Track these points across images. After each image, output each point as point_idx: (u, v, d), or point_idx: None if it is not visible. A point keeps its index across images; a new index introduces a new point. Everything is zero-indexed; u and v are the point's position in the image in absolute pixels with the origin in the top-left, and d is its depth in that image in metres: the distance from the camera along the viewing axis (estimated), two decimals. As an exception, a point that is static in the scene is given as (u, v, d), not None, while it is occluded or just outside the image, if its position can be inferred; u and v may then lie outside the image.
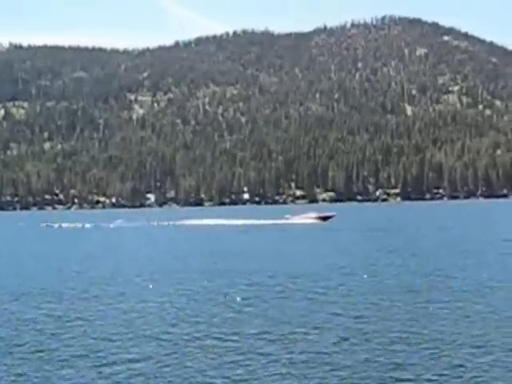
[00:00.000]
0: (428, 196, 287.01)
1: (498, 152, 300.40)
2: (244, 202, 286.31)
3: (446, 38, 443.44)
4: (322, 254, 46.70)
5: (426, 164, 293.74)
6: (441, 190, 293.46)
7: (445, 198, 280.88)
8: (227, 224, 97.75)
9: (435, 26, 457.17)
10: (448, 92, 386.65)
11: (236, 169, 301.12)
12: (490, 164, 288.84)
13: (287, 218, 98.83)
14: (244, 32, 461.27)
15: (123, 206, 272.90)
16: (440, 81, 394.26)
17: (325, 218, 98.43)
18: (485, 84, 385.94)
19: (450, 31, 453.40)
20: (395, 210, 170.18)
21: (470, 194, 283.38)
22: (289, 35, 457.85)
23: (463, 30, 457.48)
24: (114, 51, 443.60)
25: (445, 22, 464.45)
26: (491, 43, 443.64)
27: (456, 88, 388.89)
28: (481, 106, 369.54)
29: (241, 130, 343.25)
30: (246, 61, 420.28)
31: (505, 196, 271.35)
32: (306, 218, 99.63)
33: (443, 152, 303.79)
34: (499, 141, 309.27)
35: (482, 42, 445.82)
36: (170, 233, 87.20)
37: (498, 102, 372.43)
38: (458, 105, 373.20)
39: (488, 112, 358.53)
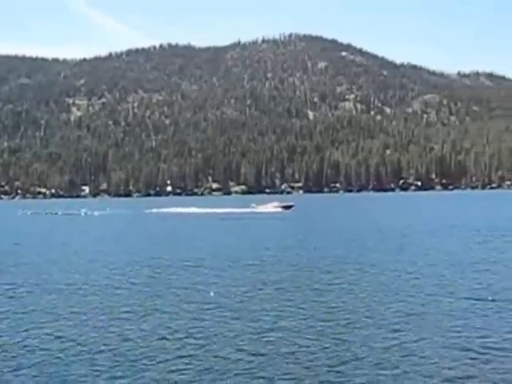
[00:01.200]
0: (326, 189, 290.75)
1: (387, 152, 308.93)
2: (167, 194, 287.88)
3: (343, 53, 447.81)
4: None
5: (325, 162, 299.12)
6: (337, 184, 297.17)
7: (341, 191, 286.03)
8: (203, 212, 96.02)
9: (334, 42, 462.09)
10: (345, 100, 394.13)
11: (160, 164, 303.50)
12: (380, 162, 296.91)
13: (253, 207, 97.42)
14: (169, 45, 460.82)
15: (61, 197, 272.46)
16: (338, 90, 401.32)
17: (287, 207, 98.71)
18: (376, 93, 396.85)
19: (348, 47, 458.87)
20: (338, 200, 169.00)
21: (362, 188, 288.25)
22: (208, 49, 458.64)
23: (358, 46, 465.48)
24: (55, 60, 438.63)
25: (343, 40, 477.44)
26: (382, 58, 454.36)
27: (352, 96, 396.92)
28: (373, 112, 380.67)
29: (165, 130, 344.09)
30: (170, 70, 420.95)
31: (392, 190, 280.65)
32: (273, 207, 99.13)
33: (340, 151, 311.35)
34: (388, 142, 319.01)
35: (375, 57, 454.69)
36: (153, 220, 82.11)
37: (387, 109, 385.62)
38: (354, 111, 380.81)
39: (379, 117, 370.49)
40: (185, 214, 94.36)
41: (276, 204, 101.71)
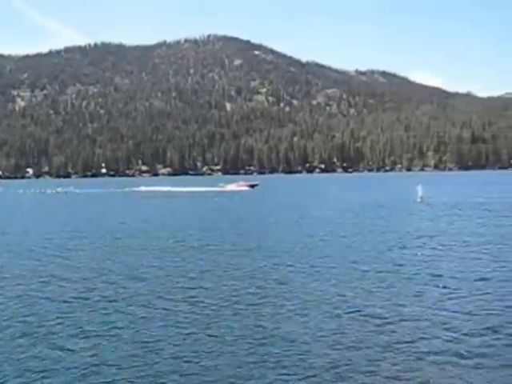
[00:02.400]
0: (242, 171, 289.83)
1: (295, 139, 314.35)
2: (102, 175, 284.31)
3: (256, 52, 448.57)
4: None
5: (241, 147, 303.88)
6: (252, 167, 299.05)
7: (254, 173, 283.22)
8: (178, 190, 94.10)
9: (248, 42, 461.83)
10: (258, 93, 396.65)
11: (96, 149, 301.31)
12: (288, 148, 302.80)
13: (222, 186, 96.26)
14: (102, 44, 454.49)
15: (8, 178, 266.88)
16: (252, 84, 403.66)
17: (253, 186, 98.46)
18: (285, 88, 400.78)
19: (260, 47, 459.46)
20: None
21: (273, 170, 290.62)
22: (137, 47, 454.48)
23: (269, 46, 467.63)
24: (1, 56, 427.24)
25: (255, 40, 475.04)
26: (290, 57, 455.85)
27: (264, 90, 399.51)
28: (282, 104, 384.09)
29: (100, 119, 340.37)
30: (104, 66, 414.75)
31: (300, 172, 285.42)
32: (240, 185, 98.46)
33: (254, 139, 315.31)
34: (296, 131, 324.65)
35: (284, 55, 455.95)
36: (135, 198, 78.80)
37: (295, 102, 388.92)
38: (265, 103, 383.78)
39: (287, 109, 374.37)
40: (168, 192, 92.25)
41: (242, 183, 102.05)
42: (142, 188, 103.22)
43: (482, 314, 13.41)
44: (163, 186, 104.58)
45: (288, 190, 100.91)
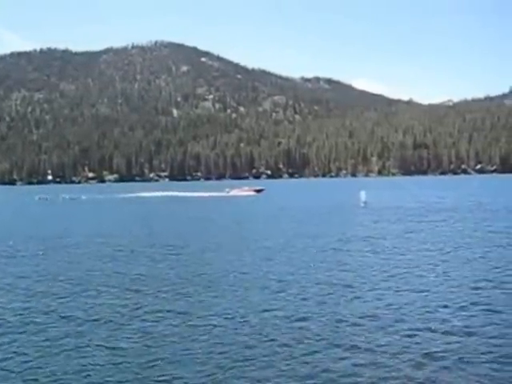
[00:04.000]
0: (189, 178, 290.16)
1: (242, 145, 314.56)
2: (48, 182, 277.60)
3: (203, 59, 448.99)
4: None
5: (187, 153, 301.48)
6: (198, 173, 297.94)
7: (201, 179, 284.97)
8: (184, 196, 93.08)
9: (195, 49, 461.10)
10: (205, 100, 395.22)
11: (41, 155, 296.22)
12: (235, 154, 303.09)
13: (228, 192, 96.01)
14: (48, 49, 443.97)
15: None
16: (198, 91, 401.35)
17: (259, 191, 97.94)
18: (232, 94, 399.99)
19: (207, 54, 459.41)
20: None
21: (220, 176, 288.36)
22: (84, 53, 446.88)
23: (216, 53, 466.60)
24: None
25: (202, 47, 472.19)
26: (237, 64, 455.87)
27: (211, 97, 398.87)
28: (229, 111, 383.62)
29: (45, 125, 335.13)
30: (50, 72, 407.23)
31: (246, 178, 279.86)
32: (246, 190, 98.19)
33: (201, 145, 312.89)
34: (242, 137, 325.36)
35: (230, 62, 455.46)
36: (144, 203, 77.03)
37: (241, 108, 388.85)
38: (212, 109, 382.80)
39: (234, 115, 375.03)
40: (175, 197, 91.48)
41: (247, 188, 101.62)
42: (144, 194, 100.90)
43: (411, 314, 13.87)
44: (166, 192, 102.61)
45: (293, 195, 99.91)
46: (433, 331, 12.33)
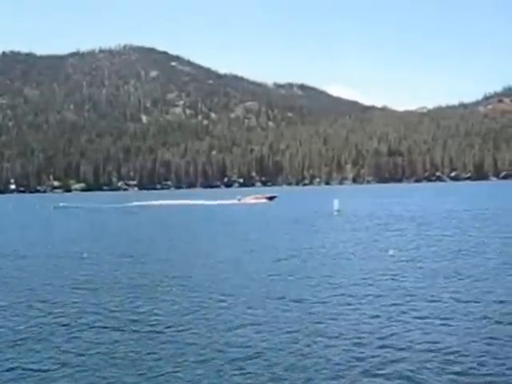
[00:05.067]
0: (159, 186, 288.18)
1: (213, 152, 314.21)
2: (11, 192, 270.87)
3: (173, 63, 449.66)
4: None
5: (157, 161, 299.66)
6: (169, 182, 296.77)
7: (172, 188, 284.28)
8: (196, 204, 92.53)
9: (165, 54, 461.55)
10: (175, 105, 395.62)
11: (4, 164, 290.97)
12: (206, 162, 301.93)
13: (239, 199, 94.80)
14: (11, 52, 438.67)
15: None
16: (169, 96, 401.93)
17: (271, 198, 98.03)
18: (203, 100, 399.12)
19: (177, 58, 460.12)
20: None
21: (191, 185, 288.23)
22: (49, 56, 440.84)
23: (187, 58, 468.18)
24: None
25: (173, 52, 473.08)
26: (208, 69, 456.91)
27: (181, 102, 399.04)
28: (200, 117, 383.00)
29: (8, 132, 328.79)
30: (14, 76, 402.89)
31: (218, 186, 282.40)
32: (259, 198, 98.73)
33: (171, 152, 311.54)
34: (214, 144, 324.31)
35: (201, 67, 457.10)
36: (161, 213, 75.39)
37: (213, 114, 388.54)
38: (183, 115, 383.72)
39: (205, 122, 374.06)
40: (186, 205, 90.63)
41: (259, 196, 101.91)
42: (154, 202, 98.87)
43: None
44: (176, 200, 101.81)
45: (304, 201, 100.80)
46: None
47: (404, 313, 14.37)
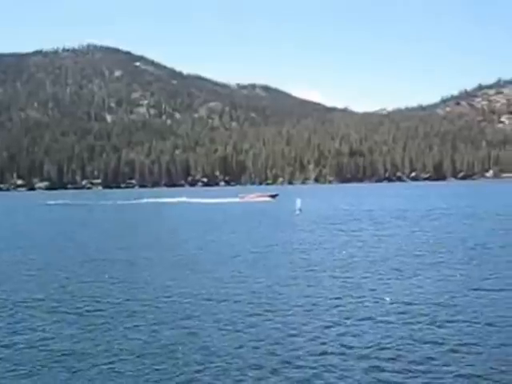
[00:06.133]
0: (123, 185, 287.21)
1: (177, 152, 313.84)
2: None
3: (137, 63, 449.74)
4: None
5: (121, 160, 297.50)
6: (133, 181, 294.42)
7: (136, 187, 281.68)
8: (201, 202, 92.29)
9: (129, 54, 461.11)
10: (139, 105, 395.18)
11: None
12: (170, 161, 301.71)
13: (242, 197, 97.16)
14: None
15: None
16: (133, 96, 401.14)
17: (273, 196, 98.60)
18: (167, 100, 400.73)
19: (141, 58, 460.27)
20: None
21: (155, 184, 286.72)
22: (12, 55, 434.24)
23: (151, 58, 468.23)
24: None
25: (136, 52, 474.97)
26: (172, 69, 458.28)
27: (145, 102, 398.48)
28: (164, 117, 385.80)
29: None
30: None
31: (182, 185, 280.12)
32: (261, 196, 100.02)
33: (135, 151, 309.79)
34: (178, 143, 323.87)
35: (165, 67, 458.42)
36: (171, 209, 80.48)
37: (177, 114, 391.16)
38: (147, 115, 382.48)
39: (169, 121, 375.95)
40: (186, 203, 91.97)
41: (260, 194, 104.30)
42: (149, 199, 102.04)
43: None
44: (177, 198, 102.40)
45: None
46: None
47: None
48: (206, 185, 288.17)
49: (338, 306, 16.08)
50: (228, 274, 21.73)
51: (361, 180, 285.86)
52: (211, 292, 18.20)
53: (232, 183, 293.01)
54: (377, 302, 16.47)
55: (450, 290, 17.92)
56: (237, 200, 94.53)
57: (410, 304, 16.17)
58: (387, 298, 16.86)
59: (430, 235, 34.32)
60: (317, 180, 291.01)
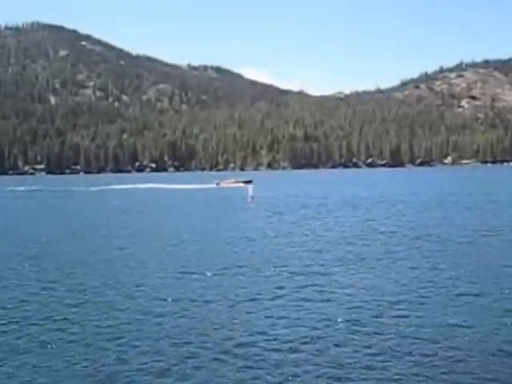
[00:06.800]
0: (68, 171, 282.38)
1: (124, 136, 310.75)
2: None
3: (83, 42, 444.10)
4: None
5: (66, 145, 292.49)
6: (78, 166, 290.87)
7: (81, 173, 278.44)
8: (176, 188, 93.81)
9: (75, 32, 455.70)
10: (85, 87, 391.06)
11: None
12: (117, 145, 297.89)
13: (218, 183, 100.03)
14: None
15: None
16: (78, 77, 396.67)
17: (248, 182, 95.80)
18: (114, 82, 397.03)
19: (88, 38, 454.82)
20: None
21: (101, 170, 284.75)
22: None
23: (98, 37, 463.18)
24: None
25: (83, 30, 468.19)
26: (120, 49, 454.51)
27: (91, 84, 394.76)
28: (111, 99, 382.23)
29: None
30: None
31: (129, 171, 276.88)
32: (236, 182, 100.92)
33: (80, 135, 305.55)
34: (125, 127, 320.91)
35: (113, 47, 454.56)
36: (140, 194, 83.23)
37: (124, 97, 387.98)
38: (93, 97, 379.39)
39: (116, 104, 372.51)
40: (163, 189, 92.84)
41: (234, 180, 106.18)
42: (120, 186, 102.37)
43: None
44: (148, 184, 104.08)
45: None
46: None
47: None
48: (154, 170, 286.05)
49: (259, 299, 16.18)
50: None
51: (315, 166, 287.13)
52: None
53: (181, 169, 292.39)
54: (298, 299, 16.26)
55: (392, 280, 18.33)
56: (213, 186, 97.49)
57: (347, 295, 16.41)
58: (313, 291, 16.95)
59: (379, 224, 34.91)
60: (270, 166, 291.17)
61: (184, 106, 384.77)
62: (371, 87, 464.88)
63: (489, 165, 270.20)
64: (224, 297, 16.22)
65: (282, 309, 14.91)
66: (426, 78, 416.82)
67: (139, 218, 41.68)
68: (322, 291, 16.76)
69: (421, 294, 16.19)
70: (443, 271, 19.57)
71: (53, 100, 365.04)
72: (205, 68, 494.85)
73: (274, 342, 12.21)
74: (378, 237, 28.76)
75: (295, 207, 49.45)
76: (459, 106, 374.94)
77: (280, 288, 17.24)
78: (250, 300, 15.90)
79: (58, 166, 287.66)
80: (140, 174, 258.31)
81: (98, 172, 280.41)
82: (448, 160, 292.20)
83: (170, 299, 16.12)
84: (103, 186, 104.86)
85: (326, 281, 18.23)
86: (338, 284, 17.68)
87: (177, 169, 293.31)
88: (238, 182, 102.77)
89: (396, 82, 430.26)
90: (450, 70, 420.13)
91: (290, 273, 19.64)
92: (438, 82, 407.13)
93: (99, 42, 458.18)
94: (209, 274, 19.62)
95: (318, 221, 37.55)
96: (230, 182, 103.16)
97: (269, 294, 16.57)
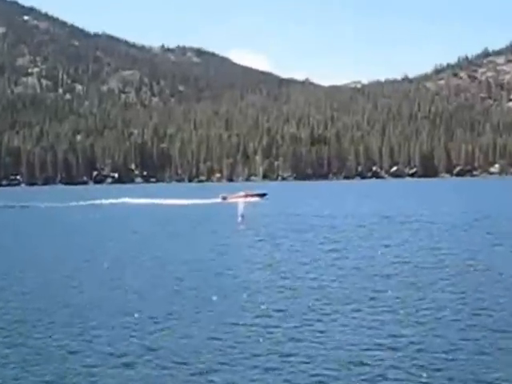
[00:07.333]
0: (5, 182, 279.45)
1: (79, 137, 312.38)
2: None
3: (26, 17, 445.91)
4: None
5: (2, 148, 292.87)
6: (18, 177, 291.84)
7: (22, 185, 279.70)
8: (177, 204, 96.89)
9: (15, 4, 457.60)
10: (28, 74, 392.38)
11: None
12: (69, 149, 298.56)
13: (224, 198, 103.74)
14: None
15: None
16: (19, 62, 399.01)
17: (262, 195, 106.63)
18: (65, 67, 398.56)
19: (31, 11, 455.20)
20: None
21: (49, 181, 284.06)
22: None
23: (44, 10, 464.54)
24: None
25: (25, 2, 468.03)
26: (72, 26, 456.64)
27: (36, 70, 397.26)
28: (61, 90, 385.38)
29: None
30: None
31: (85, 183, 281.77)
32: (248, 195, 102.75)
33: (21, 136, 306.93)
34: (80, 126, 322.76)
35: (64, 24, 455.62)
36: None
37: (78, 86, 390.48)
38: (38, 88, 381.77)
39: (68, 96, 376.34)
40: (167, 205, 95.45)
41: (244, 193, 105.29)
42: (127, 200, 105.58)
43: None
44: (155, 199, 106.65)
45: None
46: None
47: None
48: (116, 181, 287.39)
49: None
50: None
51: (325, 176, 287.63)
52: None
53: (152, 180, 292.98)
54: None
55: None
56: (218, 201, 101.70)
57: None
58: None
59: (394, 254, 34.68)
60: (266, 176, 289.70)
61: (155, 99, 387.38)
62: (396, 75, 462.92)
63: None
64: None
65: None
66: (467, 64, 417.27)
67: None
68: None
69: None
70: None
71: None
72: (182, 50, 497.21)
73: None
74: (395, 271, 28.73)
75: (296, 229, 49.90)
76: (509, 100, 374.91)
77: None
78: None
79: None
80: (98, 185, 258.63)
81: (45, 183, 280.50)
82: (495, 168, 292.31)
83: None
84: (58, 203, 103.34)
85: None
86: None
87: (146, 179, 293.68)
88: (250, 195, 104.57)
89: (428, 69, 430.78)
90: (497, 52, 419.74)
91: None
92: (481, 69, 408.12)
93: (46, 17, 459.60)
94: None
95: (323, 251, 36.80)
96: (239, 195, 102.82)
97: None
